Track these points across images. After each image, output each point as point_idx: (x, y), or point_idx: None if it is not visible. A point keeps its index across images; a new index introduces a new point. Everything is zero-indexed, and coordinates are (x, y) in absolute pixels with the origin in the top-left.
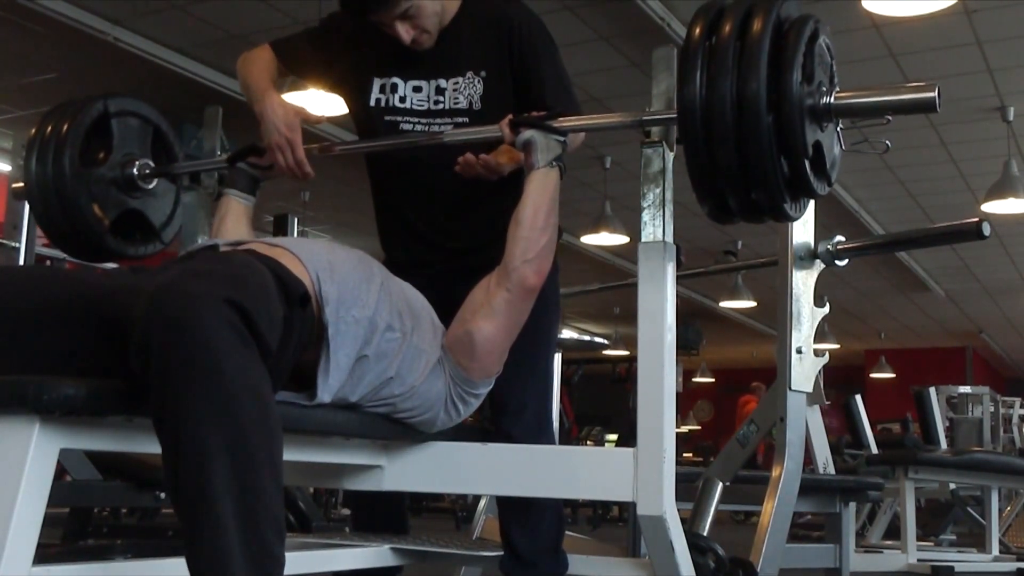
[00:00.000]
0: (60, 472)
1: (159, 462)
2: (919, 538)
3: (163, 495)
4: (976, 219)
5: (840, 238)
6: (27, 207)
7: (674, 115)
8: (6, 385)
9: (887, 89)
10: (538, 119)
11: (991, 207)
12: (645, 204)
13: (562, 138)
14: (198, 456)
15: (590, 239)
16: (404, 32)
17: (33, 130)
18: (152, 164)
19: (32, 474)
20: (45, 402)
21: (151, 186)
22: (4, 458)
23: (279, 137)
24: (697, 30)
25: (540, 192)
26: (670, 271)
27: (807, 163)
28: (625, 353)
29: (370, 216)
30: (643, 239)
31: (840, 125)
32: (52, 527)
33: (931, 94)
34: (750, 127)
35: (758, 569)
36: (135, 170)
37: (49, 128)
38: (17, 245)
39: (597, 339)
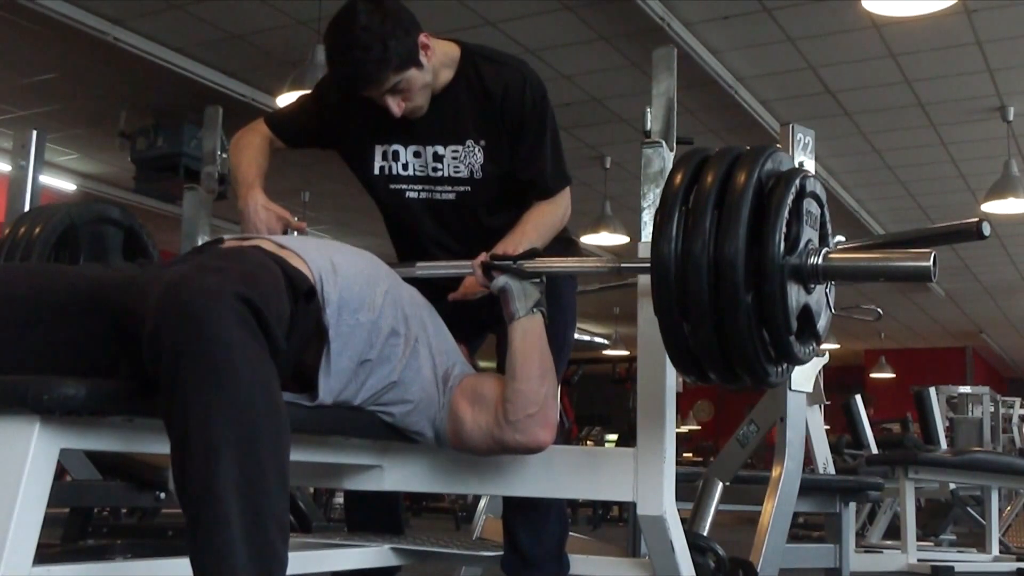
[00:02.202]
0: (60, 472)
1: (159, 462)
2: (919, 538)
3: (163, 495)
4: (976, 219)
5: (840, 238)
6: (27, 207)
7: (647, 266)
8: (6, 385)
9: (882, 254)
10: (511, 262)
11: (991, 207)
12: (645, 204)
13: (539, 280)
14: (206, 451)
15: (590, 239)
16: (394, 105)
17: (6, 231)
18: None
19: (32, 474)
20: (45, 402)
21: None
22: (4, 458)
23: None
24: (677, 179)
25: (526, 342)
26: None
27: (792, 336)
28: (625, 353)
29: (370, 216)
30: (643, 239)
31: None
32: (52, 527)
33: (926, 263)
34: (728, 302)
35: (758, 569)
36: None
37: (20, 233)
38: None
39: (597, 339)
